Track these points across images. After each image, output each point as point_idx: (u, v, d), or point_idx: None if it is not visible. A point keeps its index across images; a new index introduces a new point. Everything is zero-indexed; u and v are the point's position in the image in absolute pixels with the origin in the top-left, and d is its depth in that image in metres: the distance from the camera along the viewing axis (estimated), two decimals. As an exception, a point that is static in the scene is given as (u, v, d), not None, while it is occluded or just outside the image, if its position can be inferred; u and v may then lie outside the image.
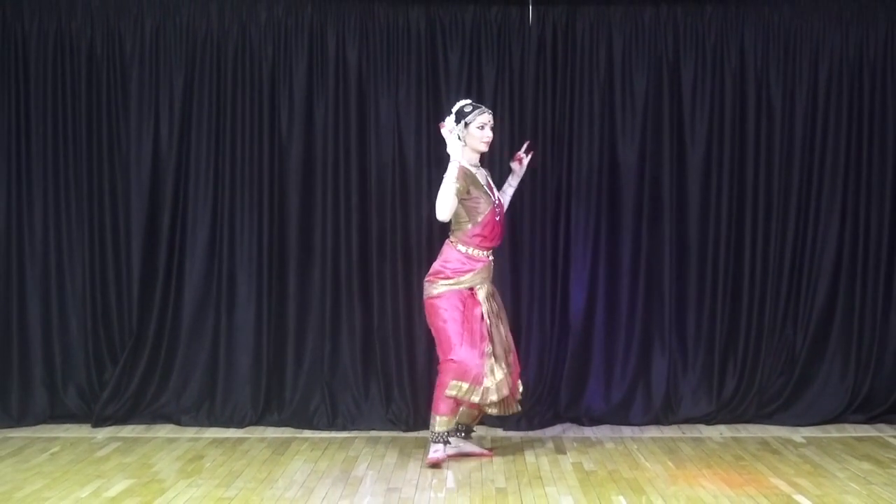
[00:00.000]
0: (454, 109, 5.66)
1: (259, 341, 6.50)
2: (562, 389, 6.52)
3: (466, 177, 5.55)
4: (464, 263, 5.61)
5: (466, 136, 5.59)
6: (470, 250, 5.63)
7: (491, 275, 5.72)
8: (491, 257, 5.71)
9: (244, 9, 6.48)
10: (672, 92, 6.54)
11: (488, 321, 5.57)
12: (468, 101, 5.71)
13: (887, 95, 6.55)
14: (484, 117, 5.61)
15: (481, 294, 5.61)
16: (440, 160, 6.37)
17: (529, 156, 5.91)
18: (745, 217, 6.56)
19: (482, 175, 5.72)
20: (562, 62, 6.53)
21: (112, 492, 5.01)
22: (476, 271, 5.62)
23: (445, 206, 5.47)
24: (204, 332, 6.54)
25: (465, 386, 5.48)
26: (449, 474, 5.37)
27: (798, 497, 4.92)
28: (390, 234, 6.46)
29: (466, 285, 5.60)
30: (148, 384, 6.52)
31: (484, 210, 5.61)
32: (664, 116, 6.54)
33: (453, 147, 5.53)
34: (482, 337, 5.54)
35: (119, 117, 6.51)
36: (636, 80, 6.53)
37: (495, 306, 5.70)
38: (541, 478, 5.28)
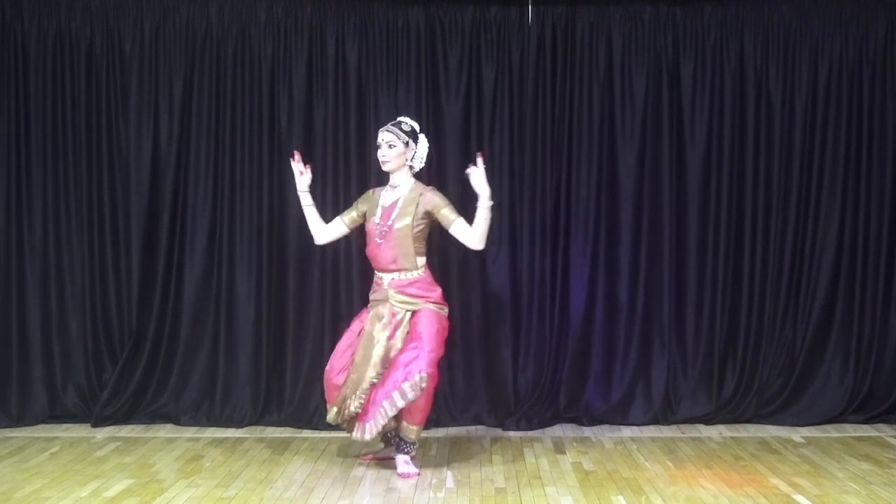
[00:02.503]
0: None
1: (259, 341, 6.50)
2: (561, 389, 6.52)
3: (365, 199, 5.68)
4: (373, 283, 5.62)
5: None
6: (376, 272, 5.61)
7: (388, 297, 5.42)
8: (385, 279, 5.46)
9: (244, 9, 6.49)
10: (672, 92, 6.54)
11: (363, 344, 5.41)
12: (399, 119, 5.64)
13: (887, 95, 6.55)
14: (379, 136, 5.54)
15: (369, 315, 5.50)
16: (439, 160, 6.40)
17: (479, 167, 5.41)
18: (745, 217, 6.56)
19: (390, 195, 5.54)
20: (561, 62, 6.53)
21: (111, 492, 5.01)
22: (376, 291, 5.53)
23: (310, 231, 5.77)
24: (203, 332, 6.54)
25: (329, 408, 5.49)
26: (448, 474, 5.37)
27: (797, 497, 4.92)
28: (390, 234, 6.46)
29: (369, 304, 5.57)
30: (147, 384, 6.52)
31: (368, 231, 5.58)
32: (664, 116, 6.54)
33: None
34: (351, 358, 5.45)
35: (119, 117, 6.51)
36: (636, 80, 6.53)
37: (380, 328, 5.40)
38: (540, 478, 5.28)
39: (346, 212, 5.74)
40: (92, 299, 6.53)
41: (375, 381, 5.32)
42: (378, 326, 5.41)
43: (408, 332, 5.39)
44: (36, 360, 6.52)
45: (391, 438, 5.58)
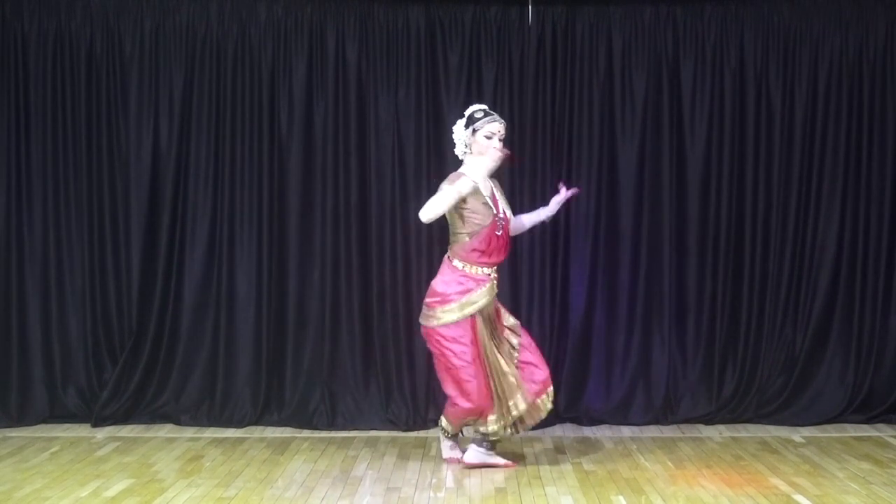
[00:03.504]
0: (466, 113, 5.43)
1: (259, 341, 6.50)
2: (561, 389, 6.51)
3: (467, 185, 5.22)
4: (461, 283, 5.27)
5: (473, 143, 5.32)
6: (467, 268, 5.29)
7: (494, 293, 5.37)
8: (494, 275, 5.37)
9: (244, 9, 6.49)
10: (672, 92, 6.54)
11: (485, 348, 5.30)
12: (482, 106, 5.44)
13: (887, 95, 6.55)
14: (494, 126, 5.28)
15: (479, 319, 5.29)
16: (440, 159, 6.39)
17: (565, 195, 5.64)
18: (745, 217, 6.56)
19: (488, 185, 5.35)
20: (562, 62, 6.53)
21: (112, 491, 5.01)
22: (477, 292, 5.26)
23: (433, 211, 5.15)
24: (203, 332, 6.54)
25: (490, 419, 5.35)
26: (448, 474, 5.37)
27: (797, 497, 4.91)
28: (390, 234, 6.46)
29: (473, 310, 5.26)
30: (147, 384, 6.52)
31: (482, 222, 5.27)
32: (664, 116, 6.54)
33: (475, 164, 5.22)
34: (487, 372, 5.30)
35: (119, 117, 6.51)
36: (636, 80, 6.53)
37: (490, 327, 5.38)
38: (540, 478, 5.28)
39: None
40: (92, 299, 6.53)
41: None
42: (491, 325, 5.39)
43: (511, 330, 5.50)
44: (36, 360, 6.52)
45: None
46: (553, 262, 6.54)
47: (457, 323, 5.28)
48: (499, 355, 5.37)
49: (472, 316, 5.29)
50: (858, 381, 6.54)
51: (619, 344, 6.58)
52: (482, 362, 5.30)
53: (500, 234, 5.34)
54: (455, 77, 6.50)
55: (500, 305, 5.53)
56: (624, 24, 6.52)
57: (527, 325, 6.48)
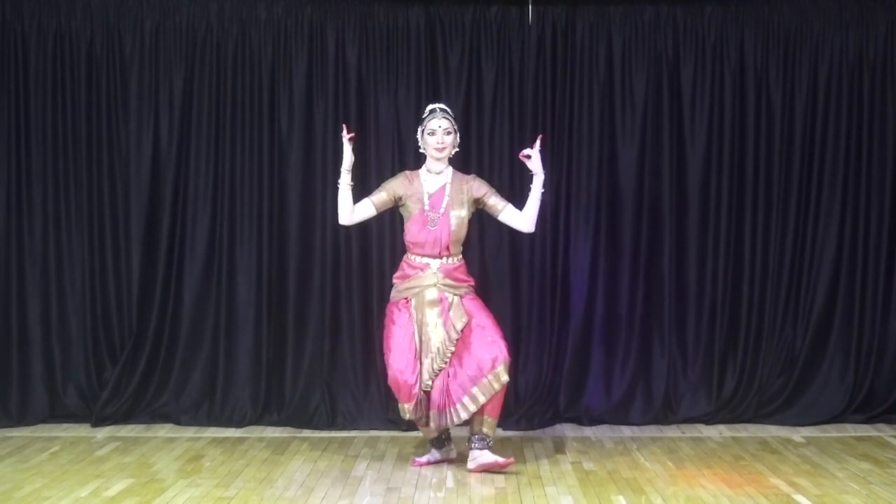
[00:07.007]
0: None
1: (259, 341, 6.50)
2: (561, 389, 6.52)
3: (402, 183, 5.50)
4: (402, 269, 5.54)
5: (423, 141, 5.50)
6: (409, 256, 5.51)
7: (437, 282, 5.41)
8: (433, 264, 5.43)
9: (244, 9, 6.49)
10: (672, 92, 6.54)
11: (417, 332, 5.38)
12: (435, 105, 5.56)
13: (887, 95, 6.55)
14: (433, 123, 5.45)
15: (413, 302, 5.43)
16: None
17: (535, 149, 5.46)
18: (745, 217, 6.57)
19: (434, 181, 5.50)
20: (562, 62, 6.54)
21: (111, 491, 5.01)
22: (413, 278, 5.46)
23: (339, 209, 5.57)
24: (203, 332, 6.54)
25: (403, 406, 5.35)
26: (449, 474, 5.37)
27: (797, 497, 4.92)
28: (389, 234, 6.46)
29: (403, 295, 5.46)
30: (147, 384, 6.52)
31: (410, 216, 5.48)
32: (664, 116, 6.54)
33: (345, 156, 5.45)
34: (415, 350, 5.36)
35: (119, 117, 6.51)
36: (636, 80, 6.53)
37: (434, 314, 5.40)
38: (540, 478, 5.28)
39: (375, 193, 5.57)
40: (92, 299, 6.53)
41: (443, 366, 5.34)
42: (432, 312, 5.40)
43: (465, 322, 5.39)
44: (36, 360, 6.52)
45: (444, 441, 5.58)
46: (553, 263, 6.54)
47: (391, 304, 5.58)
48: (433, 340, 5.39)
49: (406, 300, 5.48)
50: (858, 381, 6.54)
51: (619, 344, 6.58)
52: (409, 347, 5.40)
53: (431, 228, 5.44)
54: (455, 77, 6.51)
55: (441, 302, 5.44)
56: (624, 25, 6.52)
57: (527, 325, 6.54)
